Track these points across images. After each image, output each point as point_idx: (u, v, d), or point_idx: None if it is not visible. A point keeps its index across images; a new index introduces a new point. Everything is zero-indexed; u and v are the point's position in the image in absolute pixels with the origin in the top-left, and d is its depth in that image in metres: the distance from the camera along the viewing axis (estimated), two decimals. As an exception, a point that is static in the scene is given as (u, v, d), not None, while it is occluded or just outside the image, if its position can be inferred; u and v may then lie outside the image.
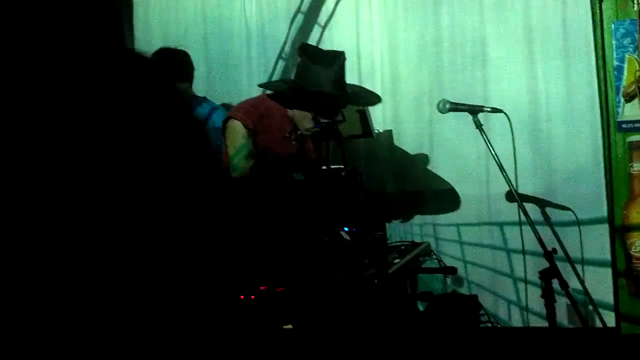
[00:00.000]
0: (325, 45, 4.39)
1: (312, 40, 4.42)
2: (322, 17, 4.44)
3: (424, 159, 4.16)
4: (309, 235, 2.93)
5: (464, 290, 3.96)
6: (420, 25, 4.23)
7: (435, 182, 4.12)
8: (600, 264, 3.80)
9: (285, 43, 4.47)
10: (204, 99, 3.87)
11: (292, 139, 3.16)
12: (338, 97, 3.05)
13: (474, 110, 3.06)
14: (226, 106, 4.13)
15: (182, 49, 4.41)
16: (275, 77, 4.41)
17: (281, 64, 4.47)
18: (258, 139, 3.12)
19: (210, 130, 3.66)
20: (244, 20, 4.53)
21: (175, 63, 3.74)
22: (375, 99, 3.37)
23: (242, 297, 2.57)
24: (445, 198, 4.08)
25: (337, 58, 3.06)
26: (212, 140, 3.61)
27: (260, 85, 3.22)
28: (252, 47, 4.52)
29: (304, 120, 3.10)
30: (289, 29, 4.47)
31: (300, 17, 4.47)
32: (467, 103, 3.20)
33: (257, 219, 2.61)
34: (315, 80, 2.98)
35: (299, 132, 3.15)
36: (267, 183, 2.85)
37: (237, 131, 3.10)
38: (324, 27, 4.44)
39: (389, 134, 4.21)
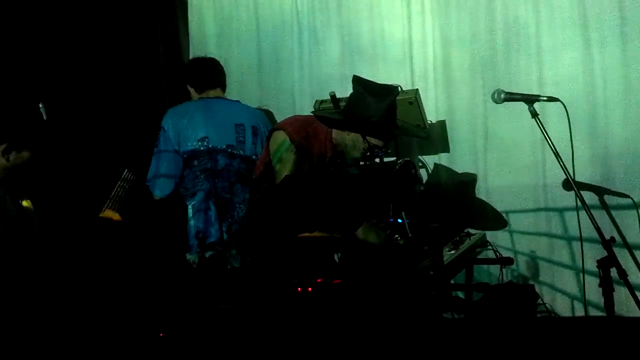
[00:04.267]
0: (377, 37, 4.41)
1: (363, 33, 4.44)
2: (373, 8, 4.44)
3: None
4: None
5: (521, 280, 3.94)
6: (472, 13, 4.21)
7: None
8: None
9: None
10: (237, 102, 3.94)
11: (329, 166, 3.20)
12: (389, 128, 3.09)
13: (530, 99, 3.03)
14: (264, 107, 4.20)
15: (236, 46, 4.51)
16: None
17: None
18: (300, 157, 3.17)
19: (232, 127, 3.73)
20: (295, 16, 4.57)
21: (204, 70, 3.83)
22: (422, 134, 3.44)
23: (299, 289, 2.63)
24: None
25: (391, 92, 3.11)
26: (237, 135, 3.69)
27: (313, 114, 3.29)
28: (304, 42, 4.56)
29: (354, 149, 3.14)
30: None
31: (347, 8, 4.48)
32: (522, 92, 3.17)
33: (314, 213, 2.66)
34: (368, 111, 3.03)
35: (339, 160, 3.19)
36: (323, 178, 2.89)
37: (284, 144, 3.18)
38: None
39: (442, 124, 4.20)
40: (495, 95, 3.11)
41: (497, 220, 3.96)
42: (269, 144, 3.27)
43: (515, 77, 4.06)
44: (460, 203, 3.93)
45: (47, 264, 2.68)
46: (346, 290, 2.63)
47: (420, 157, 4.14)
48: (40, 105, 2.66)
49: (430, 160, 4.17)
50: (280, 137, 3.21)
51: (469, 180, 4.05)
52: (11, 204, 2.66)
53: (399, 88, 3.69)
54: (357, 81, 3.14)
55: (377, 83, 3.16)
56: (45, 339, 2.55)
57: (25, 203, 2.74)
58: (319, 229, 2.83)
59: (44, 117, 2.67)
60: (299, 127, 3.21)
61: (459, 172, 4.16)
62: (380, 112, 3.02)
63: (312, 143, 3.20)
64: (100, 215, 2.99)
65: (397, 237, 2.78)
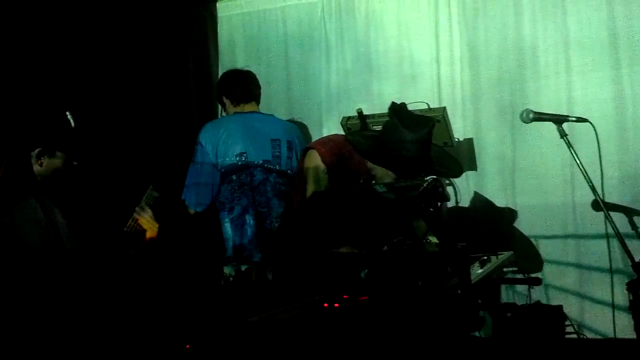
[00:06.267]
0: (404, 54, 4.41)
1: (390, 50, 4.44)
2: (400, 25, 4.45)
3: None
4: (390, 245, 2.96)
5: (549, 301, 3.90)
6: (500, 31, 4.19)
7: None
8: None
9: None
10: (271, 116, 3.96)
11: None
12: (419, 161, 3.03)
13: (559, 119, 3.03)
14: (291, 121, 4.23)
15: (265, 61, 4.54)
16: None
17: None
18: (331, 179, 3.16)
19: (269, 142, 3.75)
20: (323, 31, 4.59)
21: (241, 83, 3.86)
22: (456, 169, 3.30)
23: (325, 304, 2.63)
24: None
25: (426, 124, 3.04)
26: (273, 150, 3.73)
27: (346, 137, 3.26)
28: (332, 57, 4.58)
29: (386, 176, 3.12)
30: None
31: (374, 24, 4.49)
32: (550, 112, 3.16)
33: (341, 229, 2.66)
34: (400, 143, 2.98)
35: (374, 182, 3.16)
36: (350, 194, 2.89)
37: (316, 164, 3.20)
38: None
39: (469, 142, 4.19)
40: (524, 115, 3.10)
41: (536, 261, 3.89)
42: (303, 162, 3.28)
43: (544, 96, 4.03)
44: (492, 230, 3.85)
45: (76, 275, 2.71)
46: (372, 307, 2.63)
47: (447, 174, 4.12)
48: (67, 113, 2.69)
49: (457, 178, 4.15)
50: (313, 156, 3.22)
51: (504, 213, 3.97)
52: (42, 215, 2.70)
53: (427, 105, 3.69)
54: (392, 110, 3.08)
55: (412, 114, 3.10)
56: (70, 349, 2.57)
57: (56, 215, 2.78)
58: (346, 245, 2.83)
59: (72, 124, 2.70)
60: (333, 147, 3.22)
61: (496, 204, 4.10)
62: (412, 145, 2.96)
63: (347, 164, 3.19)
64: (125, 228, 3.01)
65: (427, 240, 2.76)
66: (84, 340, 2.63)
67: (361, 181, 3.16)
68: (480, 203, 4.11)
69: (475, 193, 4.13)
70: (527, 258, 3.83)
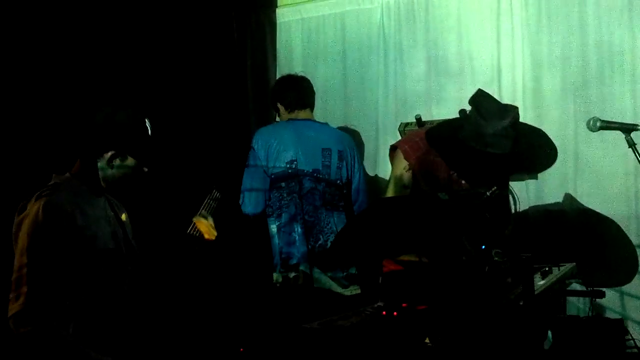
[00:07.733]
0: (464, 58, 4.36)
1: (450, 54, 4.39)
2: (461, 28, 4.39)
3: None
4: (450, 254, 2.93)
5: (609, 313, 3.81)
6: (565, 37, 4.10)
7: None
8: None
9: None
10: (325, 124, 3.95)
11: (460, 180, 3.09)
12: (503, 157, 2.88)
13: (627, 128, 2.95)
14: (343, 129, 4.21)
15: (322, 67, 4.54)
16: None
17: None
18: (421, 174, 3.08)
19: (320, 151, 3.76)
20: (382, 36, 4.57)
21: (296, 89, 3.87)
22: (551, 155, 3.12)
23: (384, 312, 2.62)
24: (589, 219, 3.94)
25: (507, 114, 2.88)
26: (323, 159, 3.73)
27: (425, 130, 3.17)
28: (390, 61, 4.55)
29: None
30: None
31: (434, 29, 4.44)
32: (616, 120, 3.08)
33: (405, 236, 2.65)
34: (480, 137, 2.83)
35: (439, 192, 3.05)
36: (414, 201, 2.88)
37: (398, 163, 3.19)
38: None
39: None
40: (591, 123, 3.04)
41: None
42: (391, 160, 3.26)
43: (608, 104, 3.93)
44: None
45: (142, 275, 2.76)
46: (431, 317, 2.60)
47: (505, 182, 4.06)
48: (146, 120, 2.73)
49: (516, 186, 4.07)
50: (396, 156, 3.21)
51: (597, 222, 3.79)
52: (112, 213, 2.75)
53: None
54: (473, 100, 2.90)
55: (497, 103, 2.90)
56: (124, 346, 2.61)
57: (123, 216, 2.82)
58: (407, 252, 2.82)
59: (149, 132, 2.73)
60: (418, 142, 3.17)
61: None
62: (492, 139, 2.83)
63: (435, 158, 3.13)
64: (189, 231, 3.05)
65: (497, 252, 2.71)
66: (146, 339, 2.67)
67: (452, 173, 3.00)
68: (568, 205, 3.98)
69: (566, 194, 4.02)
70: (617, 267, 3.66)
